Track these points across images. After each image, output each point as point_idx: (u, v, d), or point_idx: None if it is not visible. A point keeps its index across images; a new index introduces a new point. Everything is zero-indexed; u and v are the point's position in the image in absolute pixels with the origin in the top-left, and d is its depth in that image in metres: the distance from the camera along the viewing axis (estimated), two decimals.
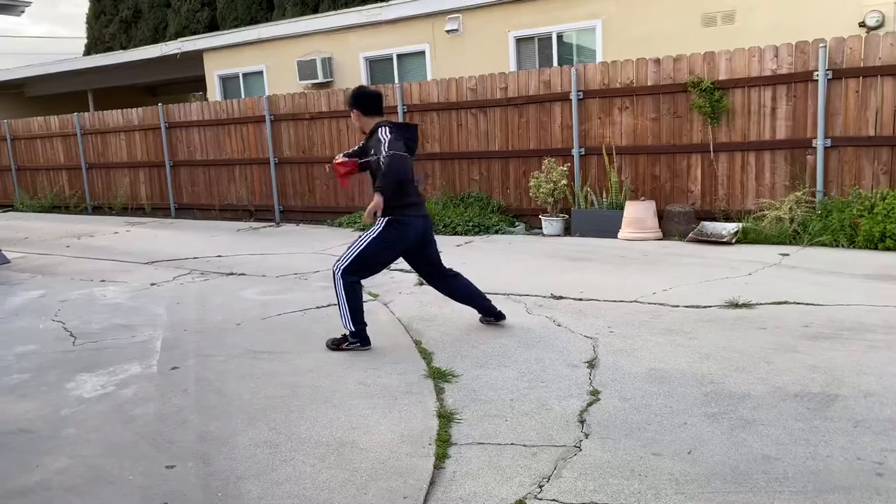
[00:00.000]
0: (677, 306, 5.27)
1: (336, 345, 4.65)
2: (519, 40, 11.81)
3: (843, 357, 4.03)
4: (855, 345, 4.22)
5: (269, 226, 11.52)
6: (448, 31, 12.21)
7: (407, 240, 4.60)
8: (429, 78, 12.41)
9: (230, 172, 12.76)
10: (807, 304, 5.14)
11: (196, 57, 15.84)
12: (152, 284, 7.06)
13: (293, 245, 9.23)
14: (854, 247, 7.01)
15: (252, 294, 6.43)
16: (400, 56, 13.07)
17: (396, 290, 6.28)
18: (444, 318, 5.11)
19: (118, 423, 3.64)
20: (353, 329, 4.58)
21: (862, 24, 8.83)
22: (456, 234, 9.25)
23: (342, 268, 4.55)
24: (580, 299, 5.63)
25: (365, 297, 6.06)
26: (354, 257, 4.53)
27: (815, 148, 7.86)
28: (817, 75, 7.76)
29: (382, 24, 13.04)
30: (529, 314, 5.28)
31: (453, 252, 7.98)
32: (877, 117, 7.60)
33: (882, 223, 6.80)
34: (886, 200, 6.93)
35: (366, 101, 4.75)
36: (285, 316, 5.59)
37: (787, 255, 6.91)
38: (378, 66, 13.46)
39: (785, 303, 5.19)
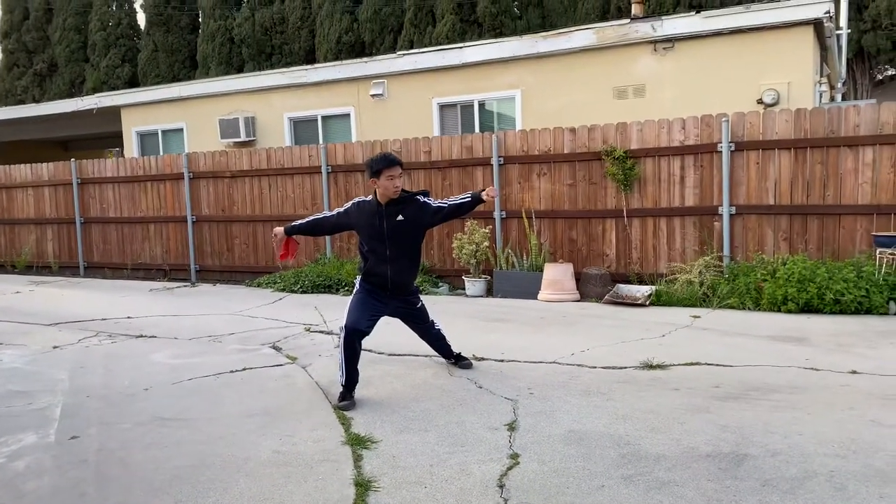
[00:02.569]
0: (595, 367, 5.36)
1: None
2: (442, 106, 12.10)
3: (752, 417, 4.16)
4: (762, 405, 4.38)
5: (185, 286, 11.15)
6: (373, 96, 12.40)
7: None
8: (353, 140, 12.51)
9: (145, 230, 12.36)
10: (717, 365, 5.32)
11: (113, 112, 15.48)
12: (55, 347, 6.67)
13: (208, 306, 8.95)
14: (759, 309, 7.35)
15: (162, 357, 6.16)
16: (325, 117, 13.15)
17: (316, 352, 6.15)
18: (364, 382, 5.02)
19: (7, 499, 3.36)
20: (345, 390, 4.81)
21: (760, 101, 9.49)
22: None
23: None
24: (501, 360, 5.65)
25: (282, 360, 5.91)
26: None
27: (721, 215, 8.29)
28: (721, 147, 8.25)
29: (307, 87, 13.13)
30: (451, 376, 5.25)
31: None
32: (775, 187, 8.11)
33: (784, 287, 7.17)
34: (787, 266, 7.33)
35: None
36: (197, 380, 5.37)
37: (699, 317, 7.17)
38: (302, 127, 13.48)
39: (697, 364, 5.35)
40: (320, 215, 5.45)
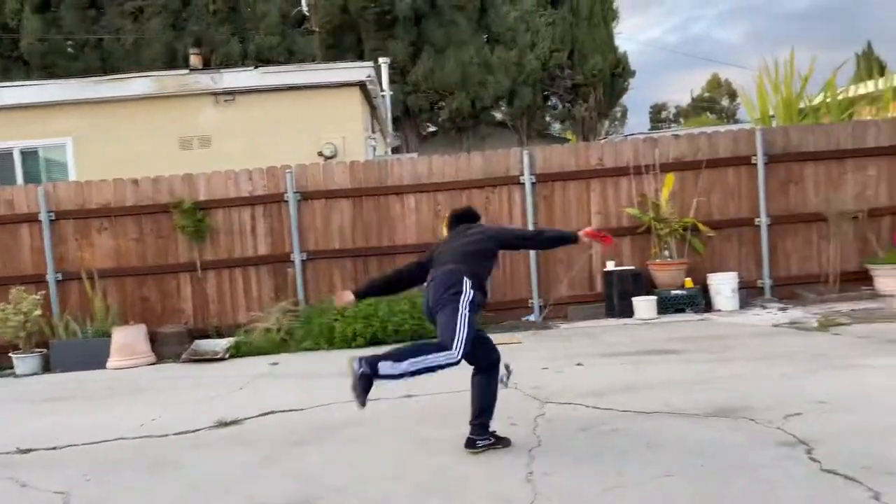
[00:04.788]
0: (166, 435, 5.01)
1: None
2: None
3: (322, 458, 4.32)
4: (331, 444, 4.58)
5: None
6: None
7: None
8: None
9: None
10: (291, 410, 5.43)
11: None
12: None
13: None
14: (333, 347, 7.80)
15: None
16: None
17: None
18: None
19: None
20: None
21: (321, 154, 10.20)
22: None
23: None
24: (55, 448, 4.91)
25: None
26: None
27: (294, 261, 8.64)
28: (288, 197, 8.62)
29: None
30: None
31: None
32: (340, 233, 8.76)
33: (352, 325, 7.74)
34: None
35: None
36: None
37: (277, 363, 7.29)
38: None
39: (272, 413, 5.39)
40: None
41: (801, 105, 11.10)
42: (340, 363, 7.03)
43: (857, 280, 8.81)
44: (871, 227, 8.86)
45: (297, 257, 8.63)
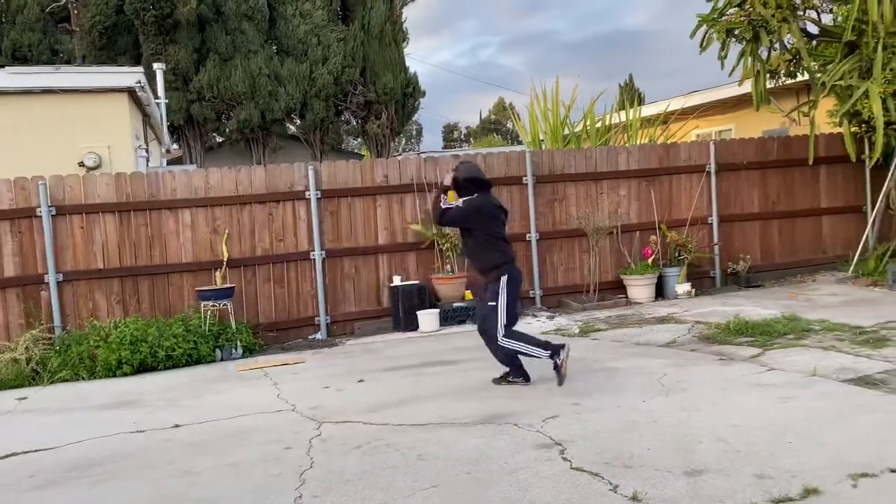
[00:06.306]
0: None
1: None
2: None
3: (70, 499, 3.90)
4: (81, 483, 4.16)
5: None
6: None
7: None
8: None
9: None
10: (36, 450, 4.85)
11: None
12: None
13: None
14: (95, 377, 7.10)
15: None
16: None
17: None
18: None
19: None
20: (549, 352, 5.39)
21: (82, 164, 9.30)
22: None
23: (501, 334, 5.38)
24: None
25: None
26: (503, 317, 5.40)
27: (49, 283, 7.77)
28: (41, 212, 7.75)
29: None
30: None
31: None
32: (104, 251, 8.03)
33: (117, 351, 7.10)
34: (119, 329, 7.29)
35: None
36: None
37: (26, 398, 6.50)
38: None
39: (12, 455, 4.78)
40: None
41: (567, 131, 12.12)
42: (102, 393, 6.46)
43: (614, 289, 9.76)
44: (624, 241, 9.88)
45: (52, 279, 7.75)
